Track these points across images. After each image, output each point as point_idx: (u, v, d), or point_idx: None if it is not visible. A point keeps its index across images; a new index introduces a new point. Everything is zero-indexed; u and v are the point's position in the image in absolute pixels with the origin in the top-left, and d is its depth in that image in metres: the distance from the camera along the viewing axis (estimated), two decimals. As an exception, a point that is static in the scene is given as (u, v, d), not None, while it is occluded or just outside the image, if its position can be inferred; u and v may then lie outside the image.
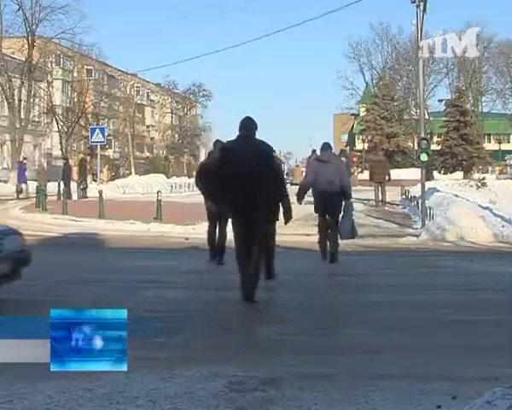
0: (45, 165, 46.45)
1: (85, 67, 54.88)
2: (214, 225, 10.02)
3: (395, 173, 27.34)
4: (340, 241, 10.64)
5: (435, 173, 47.77)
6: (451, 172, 54.87)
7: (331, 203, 10.38)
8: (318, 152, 12.08)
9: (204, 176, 9.38)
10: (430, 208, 16.40)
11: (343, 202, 10.53)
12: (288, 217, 7.93)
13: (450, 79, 68.99)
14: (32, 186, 30.00)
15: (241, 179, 7.07)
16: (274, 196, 7.49)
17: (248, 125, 7.37)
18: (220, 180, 7.34)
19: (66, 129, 50.83)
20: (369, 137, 63.32)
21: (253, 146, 7.28)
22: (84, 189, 27.86)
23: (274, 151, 8.02)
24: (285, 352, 5.60)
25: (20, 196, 29.69)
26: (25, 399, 4.20)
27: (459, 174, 51.35)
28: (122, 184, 34.08)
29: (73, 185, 28.01)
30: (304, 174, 15.55)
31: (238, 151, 7.25)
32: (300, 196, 10.59)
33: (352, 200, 10.96)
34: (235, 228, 7.52)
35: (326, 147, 10.96)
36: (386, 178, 22.28)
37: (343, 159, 18.67)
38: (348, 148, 64.73)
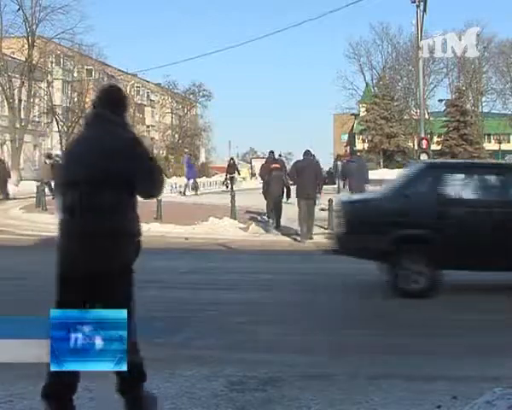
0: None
1: (85, 67, 54.71)
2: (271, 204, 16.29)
3: (395, 173, 27.91)
4: None
5: None
6: None
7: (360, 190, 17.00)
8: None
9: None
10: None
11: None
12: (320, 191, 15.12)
13: (450, 79, 68.92)
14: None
15: (304, 177, 14.26)
16: (319, 184, 14.93)
17: (308, 152, 14.89)
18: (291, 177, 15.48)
19: (66, 129, 50.65)
20: (369, 137, 63.26)
21: (310, 162, 14.84)
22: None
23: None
24: (285, 352, 5.60)
25: (187, 194, 28.54)
26: (25, 399, 4.20)
27: None
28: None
29: None
30: None
31: (302, 163, 14.77)
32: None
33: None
34: (298, 202, 14.36)
35: (356, 155, 22.07)
36: None
37: (339, 163, 28.94)
38: (348, 148, 64.66)
